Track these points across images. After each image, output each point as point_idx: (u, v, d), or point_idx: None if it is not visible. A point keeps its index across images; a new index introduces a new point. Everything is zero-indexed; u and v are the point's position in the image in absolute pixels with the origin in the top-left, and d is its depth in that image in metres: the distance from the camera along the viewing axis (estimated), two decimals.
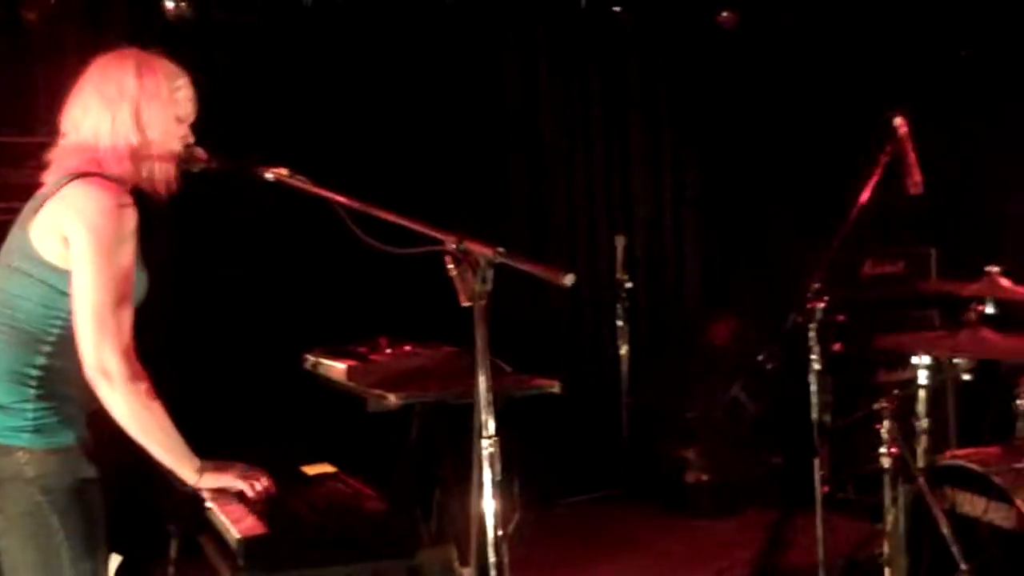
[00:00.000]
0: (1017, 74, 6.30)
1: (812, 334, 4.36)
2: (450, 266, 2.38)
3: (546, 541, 5.77)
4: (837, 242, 4.26)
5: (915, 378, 4.30)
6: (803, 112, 7.11)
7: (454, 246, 2.38)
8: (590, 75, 7.14)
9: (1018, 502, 3.55)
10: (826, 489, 5.93)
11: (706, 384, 6.51)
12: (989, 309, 4.65)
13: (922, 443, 4.31)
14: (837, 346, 5.10)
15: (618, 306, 6.60)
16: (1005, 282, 4.56)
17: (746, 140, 7.36)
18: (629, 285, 6.59)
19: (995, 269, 4.57)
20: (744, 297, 6.87)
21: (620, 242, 6.58)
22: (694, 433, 6.46)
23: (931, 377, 4.30)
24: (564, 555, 5.58)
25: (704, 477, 6.28)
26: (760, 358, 5.54)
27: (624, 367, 6.63)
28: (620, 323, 6.61)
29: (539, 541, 5.69)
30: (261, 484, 2.79)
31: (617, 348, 6.64)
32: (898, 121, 4.16)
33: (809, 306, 4.34)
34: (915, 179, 4.17)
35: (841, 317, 5.50)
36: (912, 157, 4.15)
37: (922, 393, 4.31)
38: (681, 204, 7.41)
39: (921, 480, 3.76)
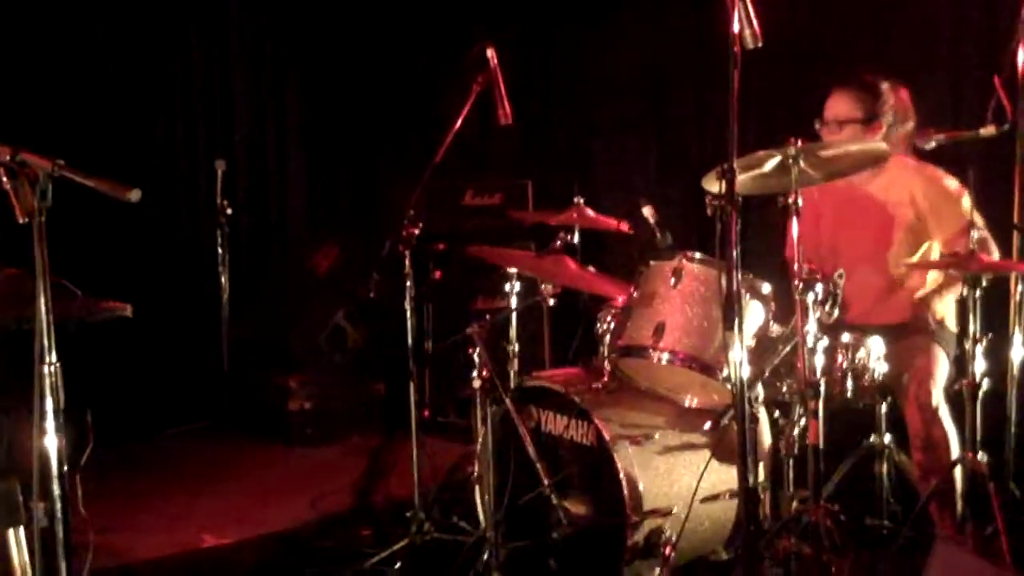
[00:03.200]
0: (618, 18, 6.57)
1: (407, 261, 4.40)
2: (4, 179, 2.19)
3: (144, 474, 5.62)
4: (430, 170, 4.30)
5: (507, 304, 4.47)
6: (404, 41, 7.15)
7: (8, 158, 2.19)
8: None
9: (596, 420, 3.74)
10: (427, 414, 6.12)
11: (308, 313, 6.46)
12: (576, 239, 4.91)
13: (513, 366, 4.48)
14: (437, 274, 5.17)
15: (218, 232, 6.38)
16: (590, 212, 4.81)
17: (350, 68, 7.32)
18: (229, 211, 6.38)
19: (580, 200, 4.81)
20: (347, 225, 6.86)
21: (220, 166, 6.34)
22: (296, 362, 6.42)
23: (519, 301, 4.47)
24: (163, 487, 5.43)
25: (306, 405, 6.25)
26: (362, 286, 5.55)
27: (224, 295, 6.44)
28: (220, 251, 6.39)
29: (137, 474, 5.56)
30: None
31: (218, 275, 6.43)
32: (489, 52, 4.24)
33: (404, 233, 4.37)
34: (505, 109, 4.27)
35: (441, 245, 5.62)
36: (502, 88, 4.24)
37: (512, 317, 4.48)
38: (284, 130, 7.29)
39: (508, 401, 3.88)
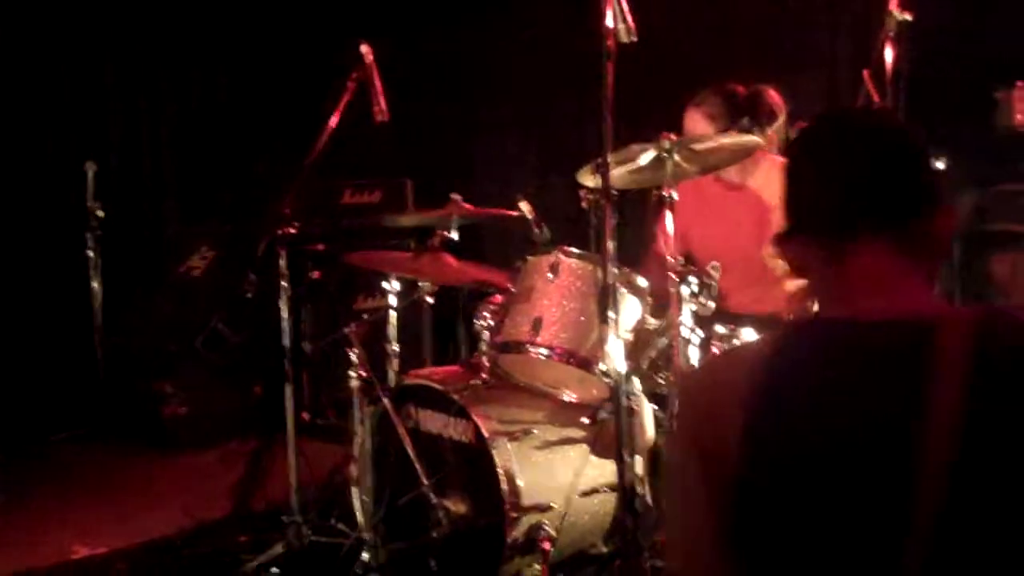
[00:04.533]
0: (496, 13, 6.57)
1: (282, 261, 4.33)
2: None
3: (17, 486, 5.44)
4: (305, 169, 4.24)
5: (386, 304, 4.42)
6: (283, 40, 7.05)
7: None
8: None
9: (474, 416, 3.72)
10: (307, 416, 6.04)
11: (183, 315, 6.31)
12: (453, 235, 4.87)
13: (393, 365, 4.44)
14: (316, 273, 5.10)
15: (88, 236, 6.20)
16: (467, 207, 4.78)
17: (228, 66, 7.21)
18: (100, 214, 6.20)
19: (458, 196, 4.77)
20: (223, 226, 6.72)
21: (90, 168, 6.17)
22: (171, 367, 6.28)
23: (398, 300, 4.43)
24: (34, 497, 5.28)
25: (181, 410, 6.12)
26: (238, 287, 5.45)
27: (97, 301, 6.26)
28: (91, 255, 6.22)
29: (9, 486, 5.38)
30: None
31: (88, 281, 6.25)
32: (364, 48, 4.19)
33: (280, 232, 4.30)
34: (380, 107, 4.22)
35: (320, 246, 5.55)
36: (378, 85, 4.19)
37: (391, 316, 4.43)
38: (158, 131, 7.12)
39: (385, 400, 3.84)
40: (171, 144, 7.18)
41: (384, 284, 4.41)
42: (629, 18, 3.34)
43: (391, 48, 4.62)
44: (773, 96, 4.25)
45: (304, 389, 6.03)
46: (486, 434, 3.68)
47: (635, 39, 3.32)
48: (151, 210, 7.10)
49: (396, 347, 4.45)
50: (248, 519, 4.84)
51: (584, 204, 3.23)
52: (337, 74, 4.34)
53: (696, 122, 4.18)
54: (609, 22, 3.26)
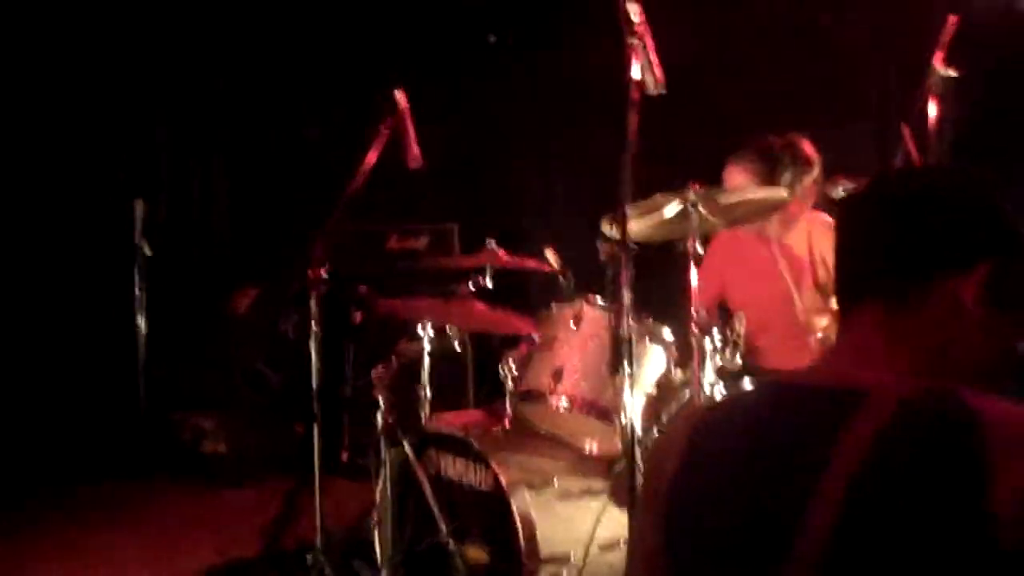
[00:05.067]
0: (534, 61, 6.63)
1: (312, 303, 4.36)
2: None
3: (54, 516, 5.53)
4: (339, 212, 4.27)
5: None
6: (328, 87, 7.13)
7: None
8: None
9: (493, 464, 3.70)
10: (345, 456, 6.05)
11: (226, 352, 6.38)
12: (488, 282, 4.88)
13: (425, 409, 4.45)
14: (358, 316, 5.13)
15: (136, 274, 6.30)
16: (502, 255, 4.78)
17: (275, 112, 7.29)
18: (148, 253, 6.30)
19: (492, 242, 4.79)
20: (269, 266, 6.79)
21: (139, 207, 6.28)
22: (213, 403, 6.34)
23: (431, 345, 4.43)
24: (72, 531, 5.34)
25: (221, 447, 6.17)
26: (281, 327, 5.50)
27: (142, 336, 6.35)
28: (137, 291, 6.31)
29: (58, 519, 5.47)
30: None
31: (135, 318, 6.34)
32: (398, 95, 4.22)
33: (311, 275, 4.33)
34: (413, 153, 4.24)
35: (363, 288, 5.59)
36: (411, 132, 4.21)
37: (425, 360, 4.44)
38: (210, 170, 7.23)
39: (406, 445, 3.84)
40: (221, 184, 7.27)
41: (418, 328, 4.43)
42: (658, 70, 3.33)
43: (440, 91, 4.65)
44: (807, 147, 4.20)
45: (344, 430, 6.05)
46: (505, 483, 3.65)
47: (663, 91, 3.32)
48: (199, 248, 7.19)
49: (428, 391, 4.47)
50: (278, 559, 4.84)
51: (602, 256, 3.21)
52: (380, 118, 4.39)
53: (735, 177, 4.13)
54: (636, 73, 3.26)
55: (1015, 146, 4.83)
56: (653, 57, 3.32)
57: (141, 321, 6.34)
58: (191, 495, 6.01)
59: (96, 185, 6.81)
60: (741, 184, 4.09)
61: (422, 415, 4.41)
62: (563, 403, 3.62)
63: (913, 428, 1.36)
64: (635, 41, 3.27)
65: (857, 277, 1.55)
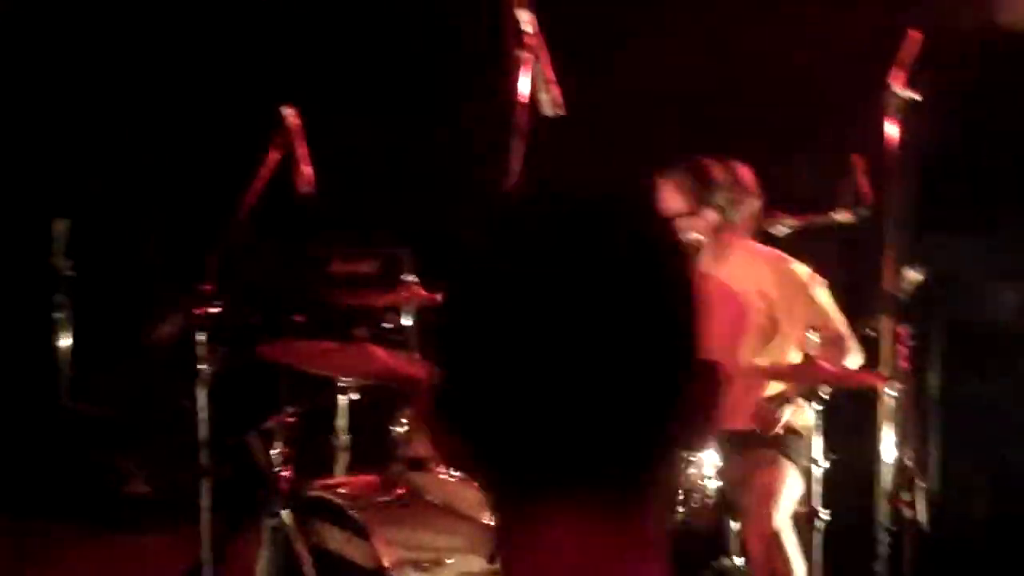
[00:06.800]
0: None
1: (201, 338, 3.92)
2: None
3: None
4: (226, 239, 3.85)
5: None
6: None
7: None
8: None
9: (374, 541, 3.21)
10: None
11: (150, 389, 5.92)
12: (406, 320, 4.40)
13: (341, 463, 4.05)
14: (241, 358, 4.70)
15: (56, 297, 5.83)
16: (422, 292, 4.29)
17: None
18: (70, 273, 5.84)
19: (411, 278, 4.30)
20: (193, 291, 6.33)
21: (60, 225, 5.81)
22: (135, 442, 5.89)
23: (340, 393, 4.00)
24: None
25: (145, 489, 5.72)
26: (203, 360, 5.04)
27: (64, 367, 5.89)
28: (58, 315, 5.85)
29: None
30: None
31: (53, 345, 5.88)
32: (288, 112, 3.74)
33: (197, 310, 3.89)
34: (304, 175, 3.77)
35: (299, 317, 5.15)
36: (302, 152, 3.74)
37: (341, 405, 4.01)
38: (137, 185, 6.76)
39: (283, 515, 3.37)
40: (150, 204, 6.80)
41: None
42: (555, 88, 2.86)
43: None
44: (746, 173, 3.73)
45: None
46: (387, 563, 3.17)
47: (561, 112, 2.85)
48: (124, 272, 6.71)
49: (345, 439, 4.04)
50: None
51: None
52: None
53: (663, 195, 3.69)
54: (525, 90, 2.79)
55: (995, 167, 4.32)
56: (549, 73, 2.84)
57: (63, 345, 5.84)
58: (111, 540, 5.57)
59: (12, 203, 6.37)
60: (671, 203, 3.63)
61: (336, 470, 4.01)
62: (452, 473, 3.14)
63: None
64: (524, 54, 2.79)
65: None
